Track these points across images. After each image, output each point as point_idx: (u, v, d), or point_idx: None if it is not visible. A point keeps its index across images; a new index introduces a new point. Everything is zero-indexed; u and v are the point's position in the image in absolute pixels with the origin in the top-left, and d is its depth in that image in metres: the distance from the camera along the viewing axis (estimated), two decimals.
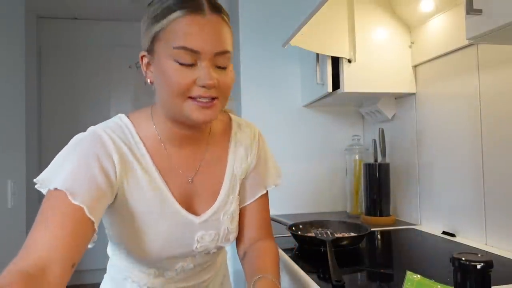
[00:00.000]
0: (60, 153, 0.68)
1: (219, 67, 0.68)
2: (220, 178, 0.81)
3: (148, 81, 0.71)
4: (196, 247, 0.77)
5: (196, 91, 0.66)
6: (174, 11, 0.64)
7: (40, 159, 3.20)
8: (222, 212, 0.80)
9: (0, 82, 1.92)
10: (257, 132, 0.88)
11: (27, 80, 2.22)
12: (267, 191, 0.88)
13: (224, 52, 0.67)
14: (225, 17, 0.69)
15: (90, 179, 0.65)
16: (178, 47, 0.64)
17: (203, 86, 0.65)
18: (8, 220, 1.97)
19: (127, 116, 0.77)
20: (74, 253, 0.59)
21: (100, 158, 0.67)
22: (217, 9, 0.67)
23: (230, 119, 0.87)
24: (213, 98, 0.67)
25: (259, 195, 0.86)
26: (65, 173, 0.63)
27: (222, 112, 0.87)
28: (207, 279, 0.86)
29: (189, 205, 0.77)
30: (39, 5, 3.06)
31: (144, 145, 0.74)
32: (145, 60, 0.71)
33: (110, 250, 0.84)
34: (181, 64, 0.65)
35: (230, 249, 1.78)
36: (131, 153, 0.72)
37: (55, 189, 0.62)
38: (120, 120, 0.75)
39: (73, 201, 0.61)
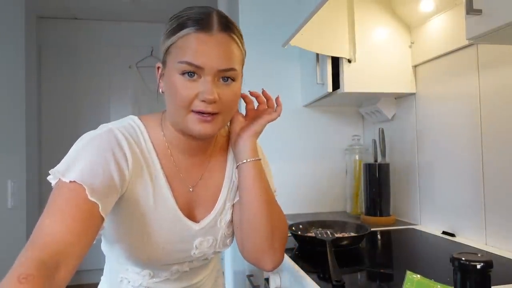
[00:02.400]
0: (73, 148, 0.68)
1: (223, 83, 0.70)
2: (219, 186, 0.83)
3: (160, 90, 0.74)
4: (194, 253, 0.79)
5: (198, 105, 0.68)
6: (185, 28, 0.68)
7: (40, 159, 3.19)
8: (219, 219, 0.81)
9: (0, 82, 1.92)
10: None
11: (27, 80, 2.22)
12: None
13: (229, 69, 0.69)
14: (235, 36, 0.71)
15: (107, 175, 0.65)
16: (183, 61, 0.67)
17: (203, 101, 0.68)
18: (8, 220, 1.97)
19: (139, 119, 0.78)
20: (86, 249, 0.60)
21: (116, 155, 0.68)
22: (227, 29, 0.70)
23: None
24: (214, 113, 0.69)
25: None
26: (81, 166, 0.64)
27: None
28: (201, 279, 0.87)
29: (189, 212, 0.78)
30: (39, 5, 3.05)
31: (155, 150, 0.75)
32: (160, 71, 0.75)
33: (105, 249, 0.83)
34: (185, 78, 0.68)
35: (229, 251, 1.78)
36: (142, 156, 0.73)
37: (71, 181, 0.62)
38: (133, 121, 0.76)
39: (90, 197, 0.61)
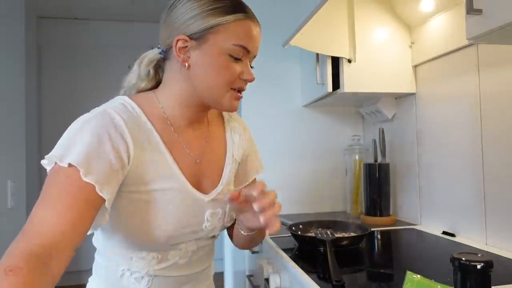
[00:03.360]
0: (67, 132, 0.67)
1: None
2: (222, 160, 0.85)
3: (186, 65, 0.74)
4: (206, 226, 0.78)
5: (239, 84, 0.75)
6: (238, 12, 0.72)
7: (40, 159, 3.18)
8: (226, 192, 0.82)
9: (0, 82, 1.93)
10: (243, 122, 0.95)
11: (27, 80, 2.22)
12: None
13: (255, 56, 0.78)
14: None
15: (103, 157, 0.64)
16: (238, 45, 0.72)
17: (245, 80, 0.75)
18: (8, 220, 1.97)
19: (130, 98, 0.77)
20: (81, 237, 0.59)
21: (112, 137, 0.67)
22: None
23: None
24: None
25: (253, 178, 0.92)
26: (77, 150, 0.63)
27: None
28: (207, 266, 0.86)
29: (197, 184, 0.78)
30: (39, 5, 3.05)
31: (153, 125, 0.74)
32: (182, 43, 0.72)
33: (101, 242, 0.80)
34: (231, 59, 0.73)
35: (229, 251, 1.78)
36: (140, 133, 0.72)
37: (68, 165, 0.61)
38: (124, 101, 0.75)
39: (84, 179, 0.60)
